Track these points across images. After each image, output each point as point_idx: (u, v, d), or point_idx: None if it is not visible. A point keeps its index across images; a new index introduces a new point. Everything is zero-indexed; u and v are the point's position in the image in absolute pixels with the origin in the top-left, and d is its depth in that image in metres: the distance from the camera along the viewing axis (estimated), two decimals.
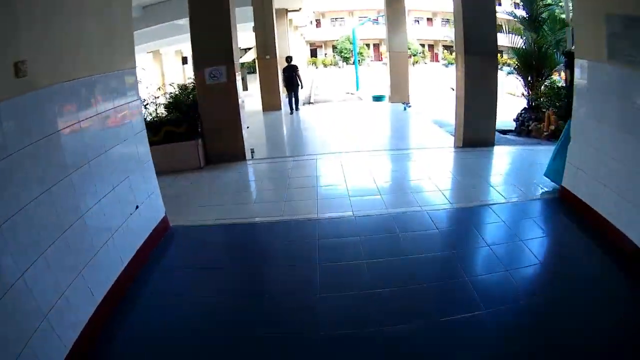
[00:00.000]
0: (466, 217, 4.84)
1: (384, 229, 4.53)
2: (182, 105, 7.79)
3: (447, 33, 51.62)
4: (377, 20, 31.25)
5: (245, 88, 8.20)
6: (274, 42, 13.93)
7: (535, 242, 4.11)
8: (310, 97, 22.24)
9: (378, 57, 53.76)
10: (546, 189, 5.34)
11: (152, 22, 15.20)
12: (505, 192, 5.46)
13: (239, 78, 7.40)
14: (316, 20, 52.21)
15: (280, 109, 14.43)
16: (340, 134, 10.10)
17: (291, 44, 24.79)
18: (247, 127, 8.17)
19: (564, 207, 4.77)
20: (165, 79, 27.15)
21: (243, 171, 7.13)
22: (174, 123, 7.42)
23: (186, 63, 30.54)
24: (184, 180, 6.69)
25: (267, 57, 13.92)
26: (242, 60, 40.64)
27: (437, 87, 26.86)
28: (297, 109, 14.34)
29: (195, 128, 7.48)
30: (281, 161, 7.54)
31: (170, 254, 4.35)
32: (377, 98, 16.50)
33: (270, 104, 14.29)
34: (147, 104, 8.06)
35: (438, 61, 52.58)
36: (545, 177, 5.46)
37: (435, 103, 17.69)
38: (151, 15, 14.93)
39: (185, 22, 19.65)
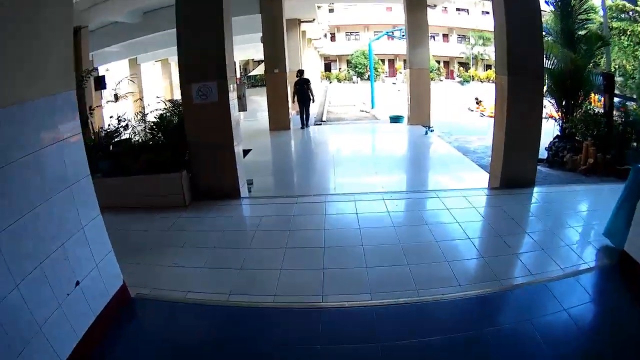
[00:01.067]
0: (522, 302, 3.53)
1: (416, 328, 3.20)
2: (167, 127, 6.61)
3: (463, 49, 51.88)
4: (393, 34, 29.95)
5: (243, 108, 6.81)
6: (284, 55, 12.74)
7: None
8: (322, 114, 21.04)
9: (393, 73, 53.10)
10: (603, 252, 4.25)
11: (151, 30, 14.08)
12: (561, 257, 4.19)
13: (233, 96, 6.16)
14: (331, 34, 51.83)
15: (289, 128, 13.22)
16: (354, 164, 8.83)
17: (304, 57, 23.78)
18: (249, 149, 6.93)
19: (626, 278, 3.73)
20: (173, 90, 26.19)
21: (235, 215, 5.84)
22: (154, 149, 6.22)
23: None
24: (162, 223, 5.43)
25: (276, 70, 12.74)
26: (254, 72, 40.00)
27: (454, 106, 25.65)
28: (307, 125, 13.81)
29: (181, 156, 6.25)
30: (283, 203, 6.17)
31: (121, 352, 3.08)
32: (395, 119, 15.16)
33: (278, 122, 13.09)
34: (126, 125, 6.93)
35: (453, 78, 51.73)
36: (604, 236, 4.35)
37: (454, 124, 16.46)
38: (151, 22, 13.80)
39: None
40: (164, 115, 6.87)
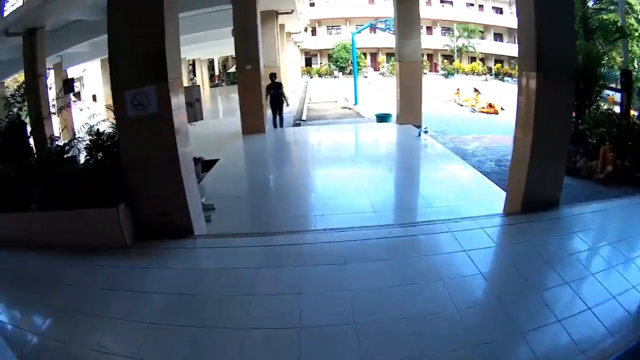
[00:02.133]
0: None
1: None
2: (108, 145, 5.17)
3: (447, 42, 50.86)
4: (376, 25, 28.54)
5: (195, 118, 5.32)
6: (257, 49, 11.23)
7: None
8: (302, 112, 19.62)
9: (375, 66, 51.99)
10: None
11: None
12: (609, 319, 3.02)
13: (179, 103, 4.70)
14: (312, 28, 50.70)
15: (264, 131, 11.75)
16: (339, 180, 7.35)
17: (284, 52, 22.30)
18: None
19: None
20: None
21: (182, 267, 4.32)
22: (87, 175, 4.78)
23: None
24: (95, 275, 4.05)
25: (248, 67, 11.24)
26: (232, 69, 38.22)
27: (441, 100, 24.51)
28: (281, 126, 13.28)
29: (116, 185, 4.77)
30: (248, 246, 4.66)
31: None
32: (382, 118, 13.71)
33: (252, 125, 11.59)
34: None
35: (437, 71, 51.08)
36: None
37: (444, 120, 15.26)
38: None
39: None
40: (102, 130, 5.38)
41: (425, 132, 10.54)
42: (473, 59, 49.86)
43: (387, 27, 27.76)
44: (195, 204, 4.95)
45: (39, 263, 4.38)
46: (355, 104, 23.17)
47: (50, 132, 9.68)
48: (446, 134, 12.26)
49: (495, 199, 5.71)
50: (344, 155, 9.27)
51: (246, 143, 10.96)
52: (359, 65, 51.92)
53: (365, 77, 47.01)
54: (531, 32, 4.71)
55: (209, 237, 4.96)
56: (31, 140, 7.36)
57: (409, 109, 11.75)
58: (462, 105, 24.22)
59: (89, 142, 5.30)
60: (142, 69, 4.40)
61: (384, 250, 4.36)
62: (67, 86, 17.28)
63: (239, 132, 11.70)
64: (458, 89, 26.97)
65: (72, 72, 41.24)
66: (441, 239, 4.58)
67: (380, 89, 31.08)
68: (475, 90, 24.09)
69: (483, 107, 22.20)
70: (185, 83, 33.76)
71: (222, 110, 23.25)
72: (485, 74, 47.32)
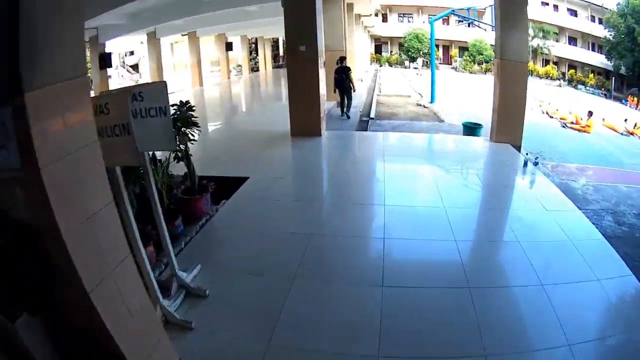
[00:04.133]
0: None
1: None
2: None
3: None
4: (462, 13, 24.78)
5: (132, 159, 2.53)
6: (314, 27, 8.42)
7: None
8: (371, 107, 16.64)
9: (447, 60, 49.11)
10: None
11: None
12: None
13: (75, 146, 1.99)
14: (382, 14, 47.66)
15: (321, 133, 8.99)
16: (419, 246, 4.54)
17: (352, 36, 19.39)
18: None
19: None
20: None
21: None
22: None
23: (231, 49, 26.28)
24: None
25: (302, 48, 8.48)
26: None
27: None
28: (347, 114, 12.48)
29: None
30: None
31: None
32: (470, 129, 10.40)
33: (303, 125, 8.90)
34: None
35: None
36: None
37: (534, 134, 12.02)
38: None
39: None
40: None
41: (536, 163, 7.26)
42: (547, 62, 45.02)
43: (468, 17, 24.13)
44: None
45: None
46: (432, 102, 19.94)
47: None
48: (544, 158, 10.15)
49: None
50: (421, 188, 6.23)
51: (292, 151, 8.25)
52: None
53: (415, 68, 44.67)
54: None
55: None
56: None
57: (508, 123, 8.45)
58: (551, 117, 21.46)
59: None
60: None
61: None
62: (104, 61, 16.19)
63: (286, 134, 9.02)
64: (542, 102, 23.89)
65: (127, 45, 40.29)
66: None
67: (453, 87, 27.89)
68: (590, 114, 20.01)
69: (573, 123, 19.57)
70: (245, 66, 31.52)
71: (274, 98, 19.14)
72: (559, 79, 42.32)
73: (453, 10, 23.88)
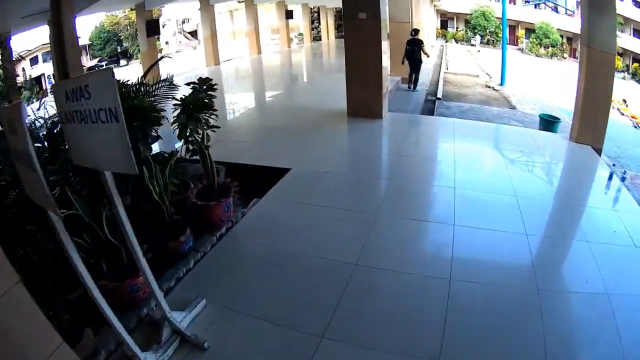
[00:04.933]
0: None
1: None
2: None
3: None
4: None
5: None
6: None
7: None
8: (438, 85, 14.94)
9: (513, 40, 45.11)
10: None
11: None
12: None
13: None
14: None
15: (381, 116, 7.64)
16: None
17: (419, 8, 17.53)
18: None
19: None
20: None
21: None
22: None
23: (291, 17, 25.14)
24: None
25: (362, 15, 7.09)
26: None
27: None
28: (415, 88, 11.75)
29: None
30: None
31: None
32: (549, 123, 8.65)
33: (361, 105, 7.60)
34: None
35: (577, 58, 42.77)
36: None
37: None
38: None
39: None
40: None
41: (623, 178, 5.76)
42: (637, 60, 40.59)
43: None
44: None
45: None
46: (502, 84, 17.94)
47: None
48: (621, 163, 9.05)
49: None
50: (505, 224, 4.36)
51: (347, 137, 6.96)
52: (497, 37, 45.14)
53: (473, 45, 43.25)
54: None
55: None
56: None
57: (591, 122, 6.86)
58: (622, 114, 18.99)
59: None
60: None
61: None
62: (151, 28, 15.36)
63: (342, 114, 7.72)
64: (624, 100, 20.73)
65: (184, 12, 39.91)
66: None
67: (521, 70, 25.47)
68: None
69: None
70: (307, 35, 30.12)
71: (335, 69, 15.34)
72: (624, 72, 38.00)
73: None
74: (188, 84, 3.93)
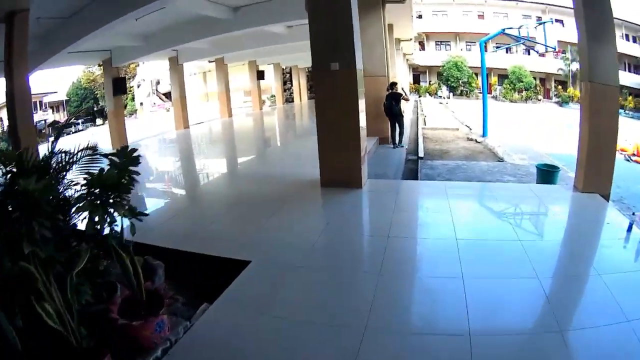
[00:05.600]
0: None
1: None
2: None
3: (561, 65, 43.17)
4: (512, 32, 21.82)
5: None
6: (351, 36, 6.01)
7: None
8: (418, 144, 14.06)
9: (487, 88, 45.91)
10: None
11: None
12: None
13: None
14: (419, 42, 45.93)
15: (361, 184, 6.42)
16: None
17: (392, 62, 17.05)
18: None
19: None
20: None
21: None
22: None
23: (262, 78, 24.72)
24: None
25: (334, 66, 6.04)
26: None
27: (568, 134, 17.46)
28: (400, 143, 11.00)
29: None
30: None
31: None
32: (546, 173, 7.93)
33: (337, 171, 6.44)
34: None
35: (550, 98, 45.48)
36: None
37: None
38: None
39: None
40: None
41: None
42: None
43: (520, 37, 21.26)
44: None
45: None
46: (484, 135, 17.28)
47: None
48: (627, 204, 8.54)
49: None
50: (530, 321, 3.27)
51: (320, 215, 5.67)
52: (470, 87, 45.91)
53: (441, 96, 44.33)
54: None
55: None
56: None
57: (597, 167, 5.96)
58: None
59: None
60: None
61: None
62: (118, 87, 15.01)
63: (315, 183, 6.53)
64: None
65: (158, 71, 39.24)
66: None
67: (499, 118, 25.37)
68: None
69: (635, 154, 16.52)
70: (279, 97, 29.84)
71: (307, 132, 13.55)
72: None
73: (503, 30, 21.03)
74: (105, 155, 2.80)
